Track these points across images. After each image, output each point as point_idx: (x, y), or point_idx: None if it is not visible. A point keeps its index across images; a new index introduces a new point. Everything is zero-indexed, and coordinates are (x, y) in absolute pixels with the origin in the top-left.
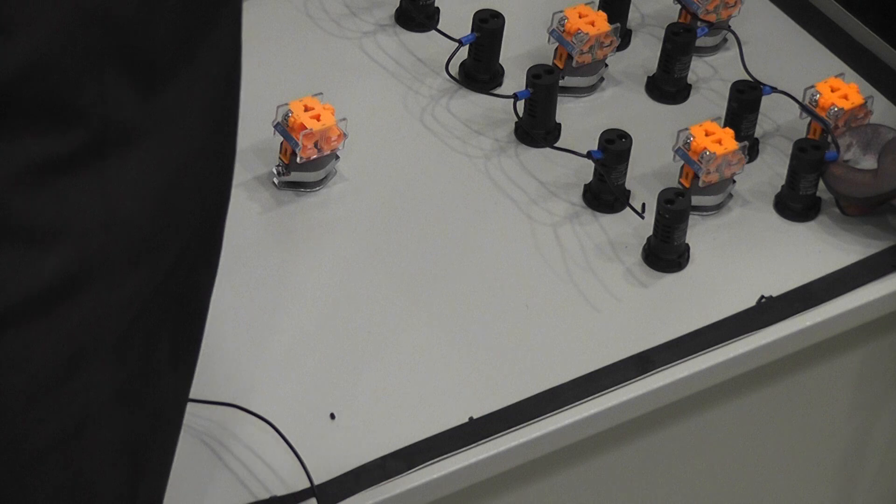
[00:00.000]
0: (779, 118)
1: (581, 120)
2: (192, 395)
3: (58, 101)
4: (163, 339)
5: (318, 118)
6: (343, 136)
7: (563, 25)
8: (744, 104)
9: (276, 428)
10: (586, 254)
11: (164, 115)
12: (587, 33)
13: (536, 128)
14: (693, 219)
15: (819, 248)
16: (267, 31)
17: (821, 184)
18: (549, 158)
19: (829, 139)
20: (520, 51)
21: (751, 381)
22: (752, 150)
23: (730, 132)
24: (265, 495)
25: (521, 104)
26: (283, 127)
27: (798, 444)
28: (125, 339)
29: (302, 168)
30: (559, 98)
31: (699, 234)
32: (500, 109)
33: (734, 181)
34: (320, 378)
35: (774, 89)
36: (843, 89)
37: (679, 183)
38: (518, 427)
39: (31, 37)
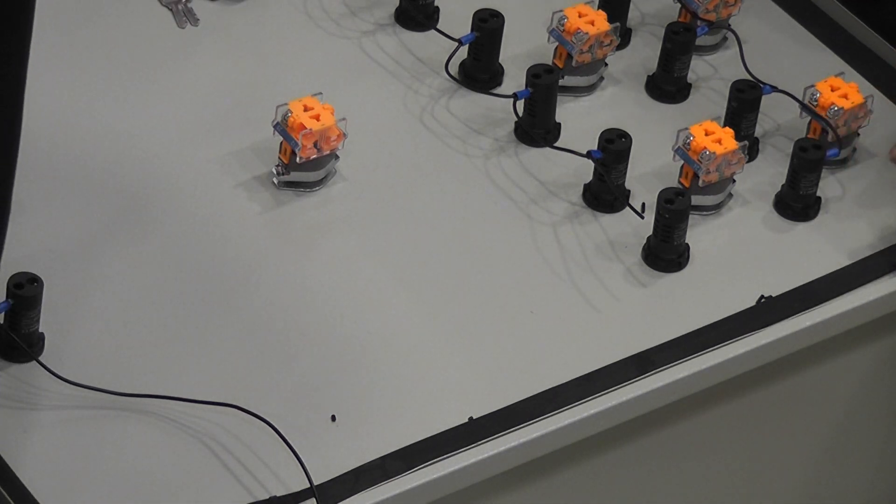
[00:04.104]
0: (779, 117)
1: (581, 119)
2: (192, 395)
3: None
4: None
5: (317, 118)
6: (343, 135)
7: (562, 25)
8: (744, 103)
9: (276, 428)
10: (586, 254)
11: None
12: (587, 32)
13: (536, 127)
14: (693, 219)
15: (819, 248)
16: (267, 31)
17: (821, 183)
18: (549, 158)
19: (831, 137)
20: (519, 50)
21: (751, 381)
22: (752, 150)
23: (730, 132)
24: (265, 495)
25: (520, 104)
26: (283, 127)
27: (798, 444)
28: None
29: (302, 168)
30: (559, 98)
31: (699, 234)
32: (499, 109)
33: (734, 181)
34: (320, 378)
35: (774, 88)
36: (843, 88)
37: (679, 183)
38: (518, 427)
39: None
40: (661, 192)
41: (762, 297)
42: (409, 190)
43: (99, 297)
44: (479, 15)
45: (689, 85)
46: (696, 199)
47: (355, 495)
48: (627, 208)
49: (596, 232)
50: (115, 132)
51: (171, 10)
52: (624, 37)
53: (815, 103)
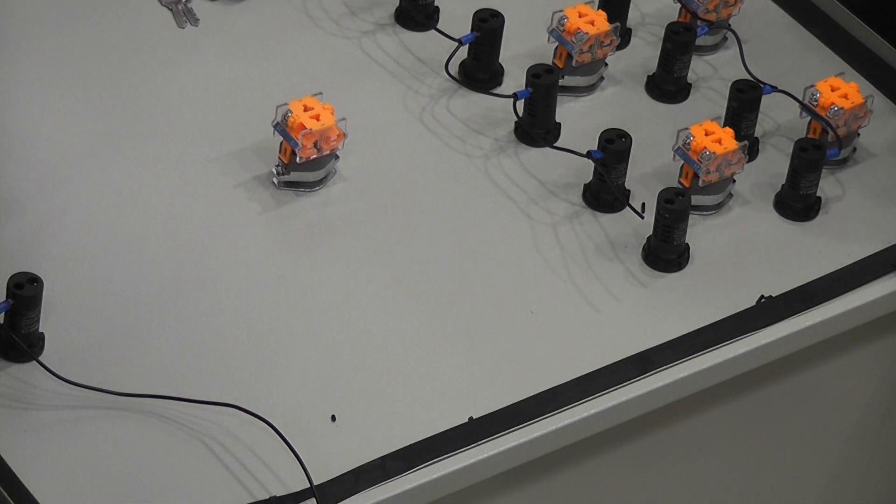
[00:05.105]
0: (779, 117)
1: (581, 119)
2: (192, 395)
3: None
4: None
5: (317, 118)
6: (343, 135)
7: (562, 25)
8: (744, 103)
9: (276, 428)
10: (586, 254)
11: None
12: (587, 32)
13: (536, 127)
14: (693, 219)
15: (819, 248)
16: (267, 31)
17: (821, 183)
18: (549, 158)
19: (831, 137)
20: (519, 50)
21: (751, 381)
22: (752, 150)
23: (730, 132)
24: (265, 495)
25: (520, 104)
26: (283, 127)
27: (797, 444)
28: None
29: (302, 168)
30: (559, 98)
31: (699, 234)
32: (499, 109)
33: (734, 181)
34: (320, 378)
35: (774, 88)
36: (843, 88)
37: (679, 183)
38: (518, 427)
39: None
40: (661, 192)
41: (762, 297)
42: (409, 190)
43: (99, 297)
44: (479, 15)
45: (689, 85)
46: (696, 199)
47: (355, 495)
48: (627, 208)
49: (596, 232)
50: (114, 132)
51: (171, 10)
52: (624, 37)
53: (815, 103)
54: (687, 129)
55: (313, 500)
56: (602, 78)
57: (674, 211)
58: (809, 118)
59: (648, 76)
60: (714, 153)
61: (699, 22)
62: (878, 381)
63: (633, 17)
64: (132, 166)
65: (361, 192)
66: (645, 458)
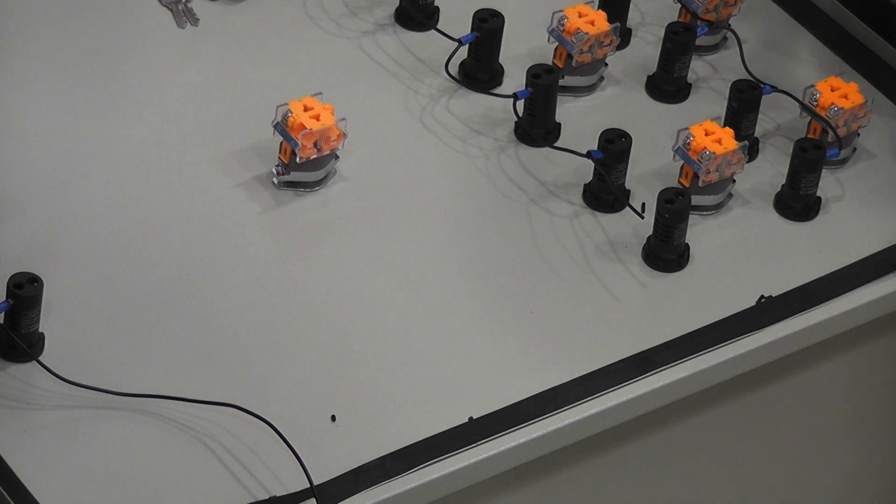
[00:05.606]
0: (779, 117)
1: (581, 119)
2: (192, 395)
3: None
4: None
5: (317, 118)
6: (343, 135)
7: (562, 25)
8: (744, 103)
9: (276, 428)
10: (586, 254)
11: None
12: (587, 32)
13: (536, 127)
14: (693, 219)
15: (819, 248)
16: (267, 31)
17: (821, 183)
18: (549, 158)
19: (831, 137)
20: (519, 50)
21: (751, 381)
22: (752, 150)
23: (730, 132)
24: (265, 495)
25: (520, 104)
26: (283, 127)
27: (797, 444)
28: None
29: (301, 168)
30: (559, 97)
31: (699, 234)
32: (499, 109)
33: (734, 181)
34: (320, 378)
35: (775, 88)
36: (843, 88)
37: (679, 183)
38: (518, 427)
39: None
40: (661, 192)
41: (762, 297)
42: (409, 190)
43: (99, 297)
44: (479, 15)
45: (689, 85)
46: (696, 199)
47: (355, 495)
48: (627, 208)
49: (596, 232)
50: (114, 132)
51: (171, 10)
52: (624, 37)
53: (815, 103)
54: (687, 129)
55: (313, 500)
56: (602, 78)
57: (674, 211)
58: (809, 118)
59: (648, 76)
60: (714, 153)
61: (699, 22)
62: (878, 381)
63: (633, 17)
64: (132, 166)
65: (361, 192)
66: (645, 458)
